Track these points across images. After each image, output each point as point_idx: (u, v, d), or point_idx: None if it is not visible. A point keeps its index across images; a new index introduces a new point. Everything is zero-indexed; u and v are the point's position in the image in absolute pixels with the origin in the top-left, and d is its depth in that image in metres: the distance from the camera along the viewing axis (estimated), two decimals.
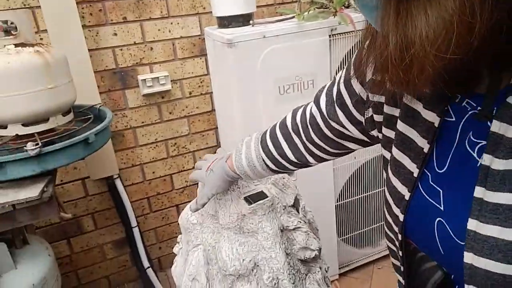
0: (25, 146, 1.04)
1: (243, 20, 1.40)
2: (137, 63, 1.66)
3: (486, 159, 0.41)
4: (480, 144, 0.44)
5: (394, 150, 0.54)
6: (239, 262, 0.87)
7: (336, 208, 1.74)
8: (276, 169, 0.79)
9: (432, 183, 0.50)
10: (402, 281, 0.61)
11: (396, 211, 0.54)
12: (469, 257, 0.43)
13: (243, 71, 1.32)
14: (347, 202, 1.76)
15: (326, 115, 0.67)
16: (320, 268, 1.01)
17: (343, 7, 1.25)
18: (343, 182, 1.72)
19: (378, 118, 0.59)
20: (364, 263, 1.96)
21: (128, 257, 1.95)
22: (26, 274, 1.18)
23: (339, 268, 1.90)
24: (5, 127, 1.15)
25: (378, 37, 0.41)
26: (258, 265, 0.88)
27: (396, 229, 0.55)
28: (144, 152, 1.81)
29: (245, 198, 0.90)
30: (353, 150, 0.73)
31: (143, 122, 1.76)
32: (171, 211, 1.97)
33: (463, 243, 0.43)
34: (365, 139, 0.67)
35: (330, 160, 0.78)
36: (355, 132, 0.65)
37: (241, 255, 0.87)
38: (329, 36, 1.35)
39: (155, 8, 1.62)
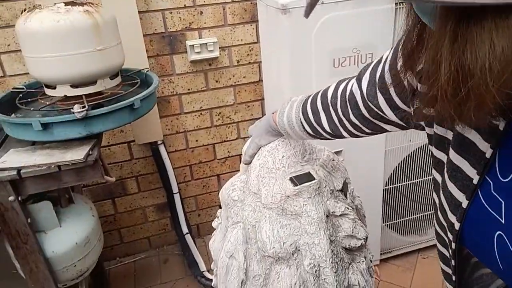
0: (72, 108, 1.04)
1: None
2: (186, 27, 1.61)
3: None
4: None
5: (451, 152, 0.49)
6: (279, 244, 0.83)
7: (384, 192, 1.65)
8: (313, 134, 0.80)
9: (493, 192, 0.45)
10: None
11: (452, 218, 0.50)
12: None
13: (296, 40, 1.23)
14: (397, 187, 1.66)
15: (366, 96, 0.64)
16: (365, 257, 0.95)
17: None
18: (394, 165, 1.61)
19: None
20: (408, 251, 1.86)
21: (168, 221, 1.99)
22: (70, 232, 1.21)
23: (381, 254, 1.82)
24: (54, 88, 1.15)
25: (429, 53, 0.34)
26: (299, 250, 0.84)
27: (450, 237, 0.51)
28: (188, 119, 1.79)
29: (291, 179, 0.84)
30: (389, 131, 0.69)
31: (189, 89, 1.73)
32: (211, 180, 1.96)
33: None
34: (404, 124, 0.62)
35: (364, 137, 0.75)
36: (392, 118, 0.62)
37: (282, 238, 0.83)
38: (396, 4, 1.21)
39: None
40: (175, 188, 1.82)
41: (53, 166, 1.04)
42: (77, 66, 1.09)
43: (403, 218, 1.76)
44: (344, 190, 0.93)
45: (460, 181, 0.48)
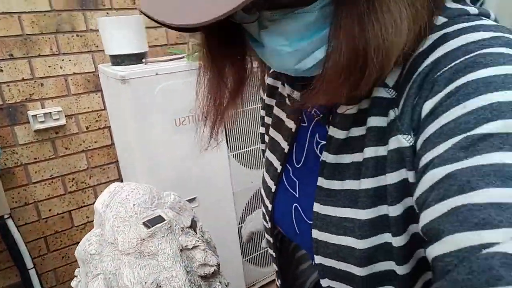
0: None
1: (136, 58, 1.48)
2: (26, 99, 1.62)
3: (324, 155, 0.50)
4: (321, 143, 0.53)
5: (267, 151, 0.65)
6: (141, 285, 0.92)
7: (239, 230, 1.85)
8: None
9: (291, 176, 0.59)
10: (278, 283, 0.72)
11: (267, 202, 0.63)
12: (315, 233, 0.50)
13: (138, 106, 1.39)
14: None
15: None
16: (220, 282, 1.11)
17: None
18: (243, 205, 1.84)
19: (268, 120, 0.68)
20: (271, 280, 2.07)
21: None
22: None
23: None
24: None
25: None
26: (160, 286, 0.94)
27: (267, 218, 0.64)
28: (38, 189, 1.73)
29: (144, 223, 0.97)
30: None
31: (36, 158, 1.70)
32: (71, 249, 1.89)
33: (311, 222, 0.52)
34: None
35: None
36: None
37: (143, 278, 0.92)
38: None
39: (44, 46, 1.62)
40: (29, 264, 1.69)
41: None
42: None
43: (260, 251, 1.98)
44: (193, 226, 1.09)
45: (272, 173, 0.62)
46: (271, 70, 0.66)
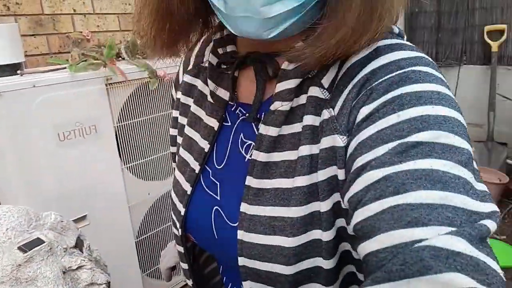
0: None
1: (10, 69, 1.37)
2: None
3: (255, 154, 0.49)
4: (247, 143, 0.52)
5: (181, 150, 0.61)
6: None
7: (136, 244, 1.80)
8: None
9: (212, 178, 0.56)
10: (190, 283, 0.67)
11: (179, 206, 0.59)
12: (240, 234, 0.49)
13: (14, 121, 1.28)
14: (147, 237, 1.85)
15: None
16: None
17: (114, 59, 1.38)
18: (141, 218, 1.79)
19: (182, 120, 0.64)
20: None
21: None
22: None
23: None
24: None
25: None
26: None
27: (178, 225, 0.59)
28: None
29: (19, 248, 0.90)
30: None
31: None
32: None
33: (235, 224, 0.51)
34: None
35: None
36: None
37: None
38: (106, 84, 1.45)
39: None
40: None
41: None
42: None
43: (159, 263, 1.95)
44: (79, 245, 1.04)
45: (187, 174, 0.58)
46: (189, 67, 0.64)
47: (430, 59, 0.45)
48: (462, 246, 0.30)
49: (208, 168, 0.57)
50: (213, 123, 0.56)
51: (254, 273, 0.49)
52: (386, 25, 0.42)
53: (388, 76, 0.42)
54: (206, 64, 0.58)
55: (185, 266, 0.65)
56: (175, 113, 0.66)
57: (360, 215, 0.37)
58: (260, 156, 0.49)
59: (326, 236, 0.45)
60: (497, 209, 0.35)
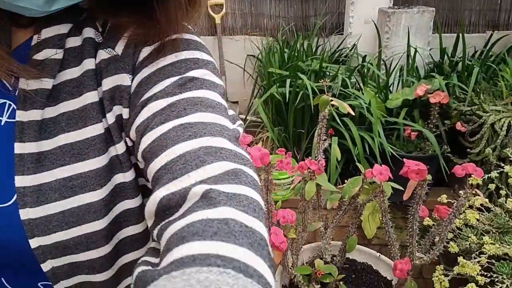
0: None
1: None
2: None
3: (18, 115, 0.43)
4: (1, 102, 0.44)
5: None
6: None
7: None
8: None
9: None
10: None
11: None
12: (26, 213, 0.42)
13: None
14: None
15: None
16: None
17: None
18: None
19: None
20: None
21: None
22: None
23: None
24: None
25: None
26: None
27: None
28: None
29: None
30: None
31: None
32: None
33: (7, 204, 0.42)
34: None
35: None
36: None
37: None
38: None
39: None
40: None
41: None
42: None
43: None
44: None
45: None
46: None
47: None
48: (226, 144, 0.39)
49: None
50: None
51: (55, 248, 0.43)
52: None
53: None
54: None
55: None
56: None
57: (148, 139, 0.41)
58: (28, 116, 0.43)
59: (128, 176, 0.46)
60: (242, 123, 0.49)
